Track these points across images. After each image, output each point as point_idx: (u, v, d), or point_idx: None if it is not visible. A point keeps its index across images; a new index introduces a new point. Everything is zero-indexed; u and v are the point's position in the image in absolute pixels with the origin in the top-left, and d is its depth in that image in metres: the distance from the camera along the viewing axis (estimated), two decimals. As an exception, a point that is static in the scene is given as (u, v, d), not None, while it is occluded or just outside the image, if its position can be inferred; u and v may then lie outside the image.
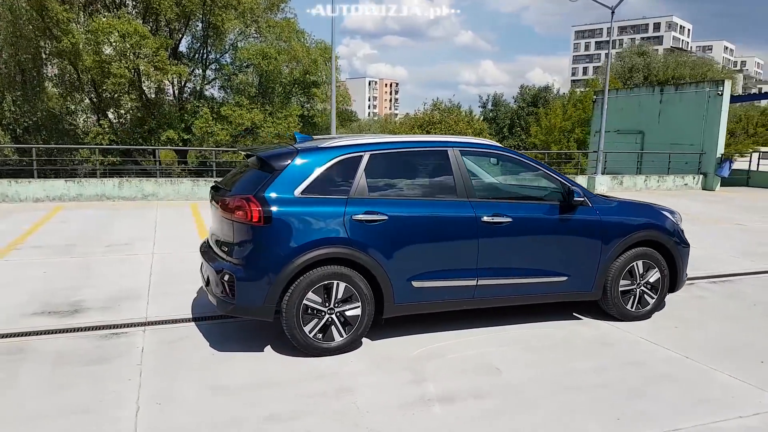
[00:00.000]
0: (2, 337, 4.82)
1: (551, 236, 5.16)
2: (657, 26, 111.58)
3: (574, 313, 5.69)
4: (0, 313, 5.41)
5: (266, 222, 4.34)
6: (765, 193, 18.54)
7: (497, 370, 4.35)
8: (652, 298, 5.58)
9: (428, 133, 32.48)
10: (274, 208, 4.36)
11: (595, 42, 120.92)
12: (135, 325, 5.16)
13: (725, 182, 19.19)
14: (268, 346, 4.74)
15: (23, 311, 5.46)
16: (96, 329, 5.04)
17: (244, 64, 29.02)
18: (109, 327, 5.10)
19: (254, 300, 4.37)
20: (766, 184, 19.79)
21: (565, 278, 5.21)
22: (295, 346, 4.51)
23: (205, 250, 5.13)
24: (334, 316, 4.52)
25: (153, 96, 28.83)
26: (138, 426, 3.46)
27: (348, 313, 4.55)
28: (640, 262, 5.45)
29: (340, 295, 4.51)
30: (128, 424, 3.48)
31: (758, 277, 7.38)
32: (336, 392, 3.95)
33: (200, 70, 29.80)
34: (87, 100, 28.66)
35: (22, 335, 4.88)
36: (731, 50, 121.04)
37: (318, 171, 4.56)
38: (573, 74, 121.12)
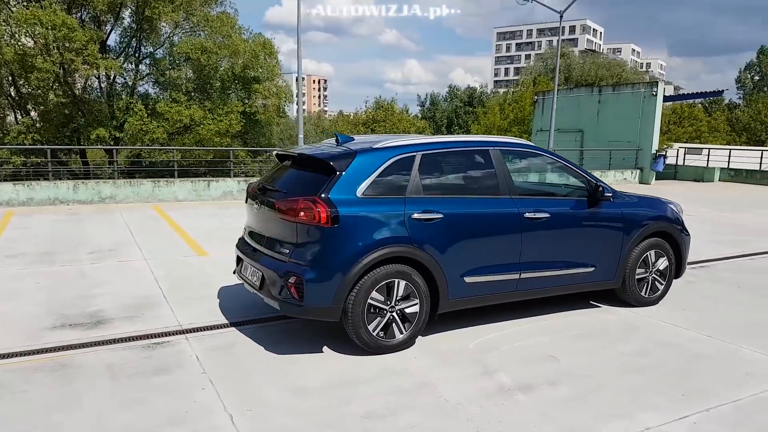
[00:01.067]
0: (34, 354, 4.55)
1: (582, 229, 5.46)
2: (572, 29, 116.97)
3: (591, 302, 6.02)
4: (16, 327, 5.10)
5: (333, 223, 4.35)
6: (693, 185, 20.08)
7: (554, 357, 4.57)
8: (662, 284, 6.00)
9: (372, 131, 32.65)
10: (340, 209, 4.37)
11: (516, 43, 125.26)
12: (172, 334, 5.01)
13: (658, 176, 20.57)
14: (325, 347, 4.75)
15: (41, 325, 5.16)
16: (133, 340, 4.85)
17: (182, 59, 28.00)
18: (146, 337, 4.92)
19: (323, 301, 4.37)
20: (689, 177, 21.42)
21: (592, 269, 5.52)
22: (358, 345, 4.55)
23: (250, 252, 5.05)
24: (395, 313, 4.60)
25: (81, 92, 27.31)
26: (242, 433, 3.42)
27: (407, 310, 4.64)
28: (652, 252, 5.86)
29: (400, 293, 4.59)
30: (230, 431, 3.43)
31: (728, 262, 8.05)
32: (418, 387, 4.03)
33: (133, 65, 28.53)
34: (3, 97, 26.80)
35: (54, 350, 4.62)
36: (638, 53, 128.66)
37: (377, 171, 4.61)
38: (495, 75, 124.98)
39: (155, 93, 29.60)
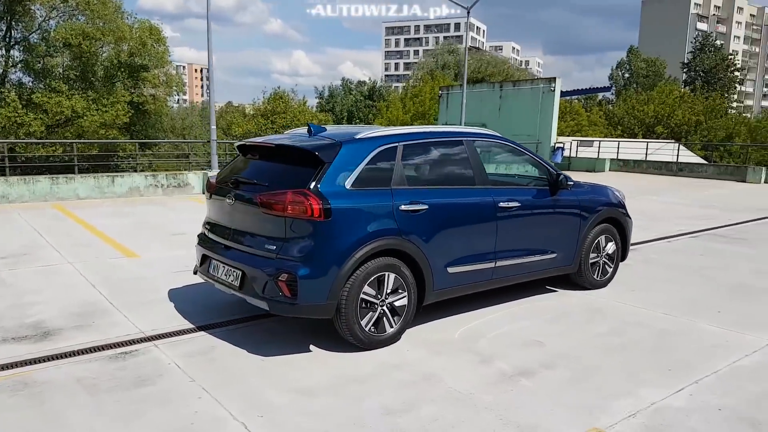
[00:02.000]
0: (-22, 372, 3.97)
1: (547, 217, 5.66)
2: (457, 26, 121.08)
3: (547, 287, 6.26)
4: (-57, 344, 4.42)
5: (326, 216, 4.17)
6: (587, 175, 21.53)
7: (539, 342, 4.70)
8: (611, 267, 6.37)
9: (272, 122, 31.84)
10: (332, 202, 4.20)
11: (404, 39, 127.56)
12: (136, 342, 4.56)
13: (554, 167, 21.84)
14: (311, 346, 4.55)
15: (-26, 339, 4.51)
16: (94, 351, 4.37)
17: (60, 45, 25.70)
18: (108, 347, 4.45)
19: (317, 298, 4.17)
20: (582, 168, 22.98)
21: (554, 255, 5.73)
22: (349, 342, 4.41)
23: (220, 249, 4.72)
24: (385, 307, 4.50)
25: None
26: (264, 441, 3.18)
27: (396, 304, 4.55)
28: (602, 237, 6.19)
29: (390, 287, 4.49)
30: (251, 441, 3.18)
31: (651, 245, 8.70)
32: (423, 380, 3.97)
33: (2, 51, 25.79)
34: None
35: (6, 368, 4.06)
36: (518, 50, 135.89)
37: (363, 162, 4.47)
38: (386, 69, 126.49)
39: (31, 82, 26.97)
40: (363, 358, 4.33)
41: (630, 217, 6.54)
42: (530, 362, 4.28)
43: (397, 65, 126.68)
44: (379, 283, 4.43)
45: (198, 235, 5.25)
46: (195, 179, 13.71)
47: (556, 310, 5.52)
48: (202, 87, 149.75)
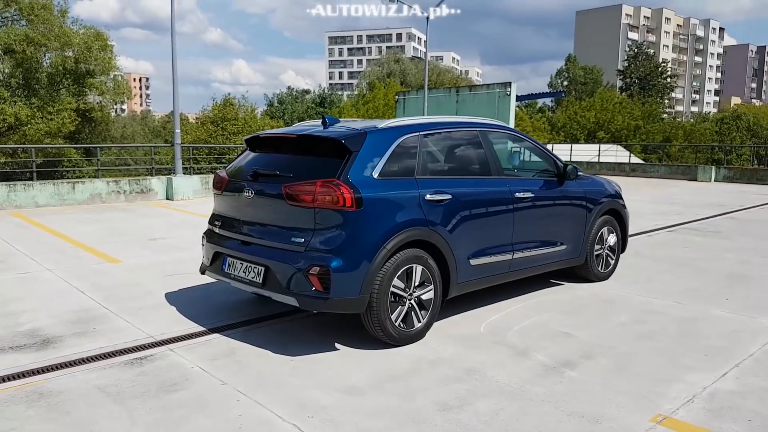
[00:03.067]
0: (-22, 386, 3.57)
1: (557, 208, 5.63)
2: (399, 36, 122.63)
3: (552, 280, 6.23)
4: (-72, 358, 3.97)
5: (358, 206, 3.98)
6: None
7: (567, 333, 4.63)
8: (613, 259, 6.41)
9: (222, 129, 31.05)
10: (363, 191, 4.01)
11: (348, 48, 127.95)
12: (149, 347, 4.23)
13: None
14: (336, 343, 4.33)
15: (-37, 351, 4.08)
16: (104, 357, 4.02)
17: (1, 51, 24.33)
18: (119, 353, 4.10)
19: (350, 291, 3.97)
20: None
21: (564, 246, 5.71)
22: (379, 338, 4.22)
23: (236, 246, 4.44)
24: (413, 301, 4.33)
25: None
26: (326, 443, 2.96)
27: (423, 297, 4.40)
28: (605, 228, 6.22)
29: (417, 279, 4.33)
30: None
31: (636, 239, 8.75)
32: (467, 374, 3.82)
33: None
34: None
35: (12, 378, 3.68)
36: (458, 60, 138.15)
37: (389, 151, 4.32)
38: (330, 78, 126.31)
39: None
40: (396, 354, 4.15)
41: (627, 209, 6.60)
42: (567, 353, 4.20)
43: (341, 74, 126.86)
44: (408, 276, 4.27)
45: (205, 233, 4.94)
46: (159, 185, 13.14)
47: (570, 303, 5.48)
48: (141, 96, 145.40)
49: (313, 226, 4.02)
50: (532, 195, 5.26)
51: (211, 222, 4.93)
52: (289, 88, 64.03)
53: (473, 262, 4.75)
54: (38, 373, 3.74)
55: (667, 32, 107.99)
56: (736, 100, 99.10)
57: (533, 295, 5.67)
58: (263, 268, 4.18)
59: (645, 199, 14.45)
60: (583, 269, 6.12)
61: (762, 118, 63.79)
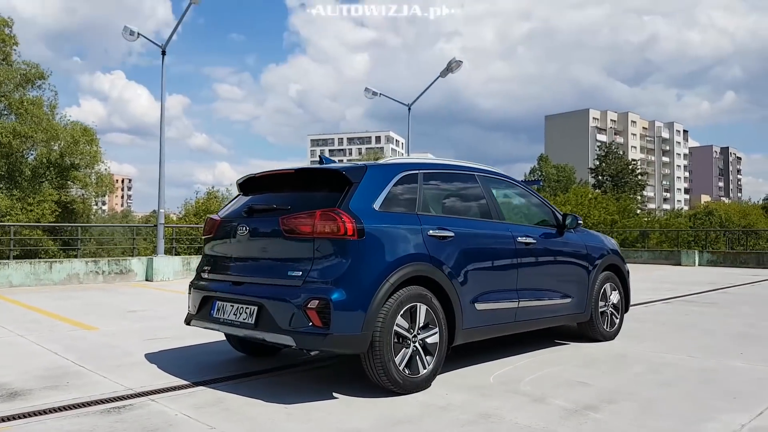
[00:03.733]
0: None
1: (560, 258, 5.46)
2: (378, 139, 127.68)
3: (556, 340, 5.93)
4: None
5: (360, 236, 3.78)
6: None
7: (584, 383, 4.29)
8: (617, 318, 6.15)
9: (206, 222, 30.88)
10: (365, 221, 3.83)
11: (329, 150, 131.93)
12: (128, 397, 3.81)
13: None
14: (335, 392, 3.95)
15: None
16: (79, 407, 3.59)
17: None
18: (95, 403, 3.68)
19: (352, 327, 3.66)
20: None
21: (569, 300, 5.48)
22: (380, 384, 3.86)
23: (226, 287, 4.16)
24: (417, 344, 4.02)
25: None
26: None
27: (428, 341, 4.09)
28: (607, 285, 6.02)
29: (422, 320, 4.05)
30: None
31: (632, 309, 8.60)
32: (483, 418, 3.46)
33: None
34: None
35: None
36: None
37: (390, 185, 4.19)
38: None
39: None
40: (401, 401, 3.79)
41: (626, 265, 6.44)
42: (587, 399, 3.86)
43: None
44: (412, 317, 3.99)
45: (191, 283, 4.65)
46: (139, 266, 12.74)
47: (581, 358, 5.17)
48: (123, 197, 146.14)
49: (311, 258, 3.79)
50: (534, 242, 5.11)
51: (198, 269, 4.65)
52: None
53: (478, 306, 4.49)
54: (3, 421, 3.30)
55: (634, 134, 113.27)
56: (705, 198, 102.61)
57: (540, 352, 5.35)
58: (256, 308, 3.88)
59: (634, 279, 14.32)
60: (589, 327, 5.85)
61: (733, 215, 65.83)
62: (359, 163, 4.33)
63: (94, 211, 31.40)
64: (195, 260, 13.75)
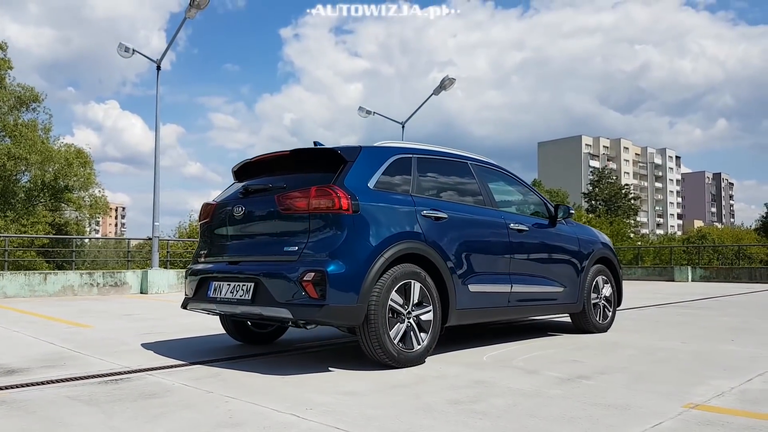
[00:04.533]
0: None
1: (553, 247, 5.53)
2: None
3: (549, 332, 5.98)
4: None
5: (354, 211, 3.86)
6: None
7: (576, 360, 4.35)
8: (610, 311, 6.22)
9: (200, 244, 30.83)
10: (359, 197, 3.92)
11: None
12: (126, 373, 3.83)
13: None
14: (330, 367, 3.99)
15: None
16: (76, 380, 3.61)
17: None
18: (93, 377, 3.70)
19: (348, 298, 3.72)
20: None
21: (562, 289, 5.54)
22: (376, 357, 3.90)
23: (222, 268, 4.23)
24: (411, 320, 4.08)
25: None
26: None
27: (423, 318, 4.15)
28: (600, 278, 6.09)
29: (416, 297, 4.12)
30: None
31: (623, 312, 8.63)
32: (477, 383, 3.51)
33: None
34: None
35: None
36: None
37: (383, 166, 4.30)
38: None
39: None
40: (396, 372, 3.83)
41: (618, 259, 6.52)
42: (581, 371, 3.91)
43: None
44: (406, 293, 4.06)
45: (187, 269, 4.71)
46: (134, 278, 12.73)
47: (573, 344, 5.21)
48: (116, 225, 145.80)
49: (307, 233, 3.87)
50: (527, 229, 5.20)
51: (194, 257, 4.71)
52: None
53: (472, 288, 4.56)
54: (4, 389, 3.32)
55: (627, 160, 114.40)
56: (698, 223, 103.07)
57: (533, 340, 5.41)
58: (253, 284, 3.94)
59: (627, 292, 14.38)
60: (582, 319, 5.91)
61: (726, 239, 66.25)
62: (350, 145, 4.42)
63: (87, 232, 31.27)
64: (190, 274, 13.73)
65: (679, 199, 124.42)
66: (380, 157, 4.34)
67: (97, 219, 31.88)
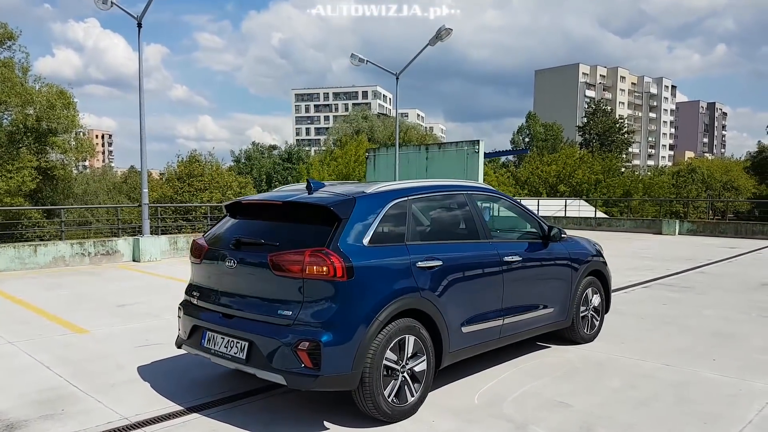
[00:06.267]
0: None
1: (544, 270, 5.57)
2: (365, 94, 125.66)
3: (538, 343, 6.12)
4: None
5: (349, 276, 3.83)
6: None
7: (564, 404, 4.47)
8: (597, 320, 6.34)
9: (189, 185, 30.69)
10: (354, 260, 3.88)
11: (314, 105, 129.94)
12: (123, 430, 3.92)
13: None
14: (326, 421, 4.10)
15: None
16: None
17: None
18: (90, 438, 3.79)
19: (342, 367, 3.77)
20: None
21: (552, 309, 5.63)
22: (370, 415, 4.00)
23: (216, 319, 4.22)
24: (405, 374, 4.15)
25: None
26: None
27: (416, 369, 4.22)
28: (589, 290, 6.18)
29: (410, 351, 4.17)
30: None
31: (614, 295, 8.83)
32: (468, 453, 3.62)
33: None
34: None
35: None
36: (422, 117, 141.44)
37: (378, 217, 4.22)
38: (297, 134, 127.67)
39: None
40: (392, 429, 3.94)
41: (608, 266, 6.59)
42: (568, 426, 4.03)
43: (308, 130, 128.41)
44: (400, 348, 4.10)
45: (181, 304, 4.71)
46: (125, 246, 12.74)
47: (561, 367, 5.35)
48: (103, 153, 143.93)
49: (301, 298, 3.85)
50: (520, 258, 5.20)
51: (188, 293, 4.70)
52: (254, 143, 64.30)
53: (465, 329, 4.62)
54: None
55: (623, 90, 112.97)
56: (689, 154, 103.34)
57: (523, 360, 5.54)
58: (247, 343, 3.96)
59: (614, 253, 14.57)
60: (570, 332, 6.04)
61: (715, 171, 66.63)
62: (347, 194, 4.31)
63: (75, 175, 30.92)
64: (182, 239, 13.78)
65: (672, 130, 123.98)
66: (375, 207, 4.26)
67: (84, 162, 31.36)
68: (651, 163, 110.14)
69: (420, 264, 4.28)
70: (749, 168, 62.24)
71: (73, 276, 10.68)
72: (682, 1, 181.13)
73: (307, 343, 3.71)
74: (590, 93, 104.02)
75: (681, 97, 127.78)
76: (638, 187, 50.41)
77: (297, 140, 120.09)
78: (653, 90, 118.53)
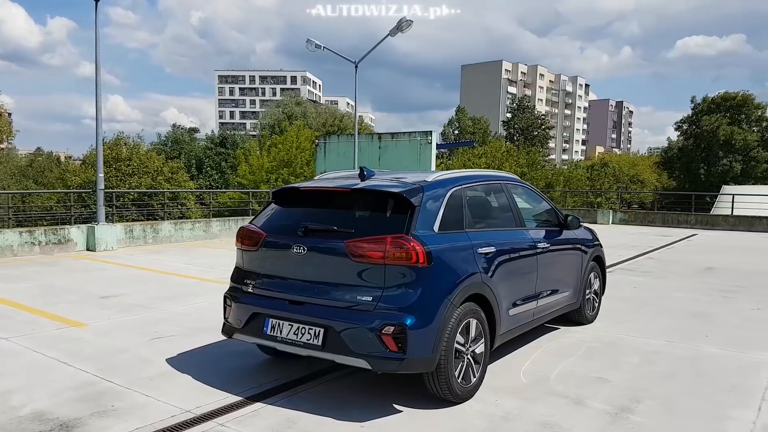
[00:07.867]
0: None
1: (564, 256, 5.89)
2: (294, 79, 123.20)
3: (546, 325, 6.43)
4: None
5: (428, 261, 3.92)
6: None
7: (602, 378, 4.77)
8: (597, 302, 6.75)
9: (117, 170, 29.17)
10: (431, 246, 3.97)
11: (239, 88, 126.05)
12: (193, 423, 3.82)
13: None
14: (395, 404, 4.16)
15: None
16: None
17: None
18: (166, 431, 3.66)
19: (425, 350, 3.86)
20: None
21: (568, 293, 5.94)
22: (442, 396, 4.12)
23: (283, 306, 4.16)
24: (469, 355, 4.28)
25: None
26: None
27: (477, 351, 4.37)
28: (592, 274, 6.56)
29: (473, 334, 4.31)
30: None
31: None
32: (545, 427, 3.81)
33: None
34: None
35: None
36: (352, 105, 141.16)
37: (444, 205, 4.34)
38: (221, 117, 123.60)
39: None
40: (459, 412, 4.09)
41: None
42: (617, 399, 4.32)
43: (232, 113, 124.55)
44: (467, 331, 4.23)
45: (229, 293, 4.58)
46: (78, 234, 12.02)
47: (579, 346, 5.68)
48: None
49: (382, 283, 3.89)
50: (548, 245, 5.46)
51: (237, 281, 4.57)
52: (174, 125, 61.86)
53: (511, 312, 4.82)
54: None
55: (541, 87, 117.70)
56: (599, 149, 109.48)
57: (543, 340, 5.84)
58: (322, 329, 3.95)
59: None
60: (578, 314, 6.39)
61: (623, 165, 71.28)
62: (412, 181, 4.37)
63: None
64: (137, 228, 13.19)
65: (585, 126, 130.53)
66: (439, 195, 4.35)
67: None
68: (566, 157, 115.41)
69: (480, 250, 4.42)
70: (659, 163, 66.70)
71: (28, 267, 9.98)
72: (593, 4, 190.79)
73: (392, 328, 3.76)
74: (512, 89, 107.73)
75: (593, 96, 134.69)
76: (559, 179, 52.91)
77: (220, 123, 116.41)
78: (569, 88, 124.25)
